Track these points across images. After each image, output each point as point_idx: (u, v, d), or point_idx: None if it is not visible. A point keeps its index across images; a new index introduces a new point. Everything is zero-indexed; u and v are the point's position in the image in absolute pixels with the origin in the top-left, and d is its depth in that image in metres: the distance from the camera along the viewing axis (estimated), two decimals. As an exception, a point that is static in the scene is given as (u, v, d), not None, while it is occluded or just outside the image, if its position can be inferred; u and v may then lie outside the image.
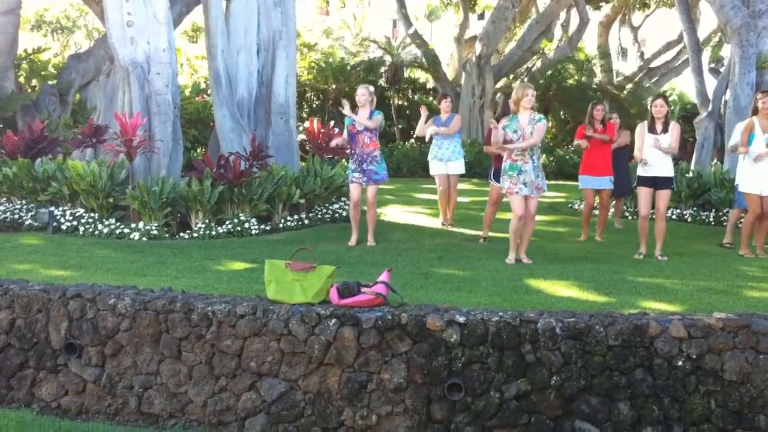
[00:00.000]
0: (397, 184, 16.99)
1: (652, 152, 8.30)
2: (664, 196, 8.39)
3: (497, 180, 8.74)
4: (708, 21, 24.83)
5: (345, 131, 9.12)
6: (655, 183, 8.38)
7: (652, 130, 8.33)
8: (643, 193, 8.43)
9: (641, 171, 8.42)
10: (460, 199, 11.67)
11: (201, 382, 5.43)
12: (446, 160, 10.63)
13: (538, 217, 11.46)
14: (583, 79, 25.14)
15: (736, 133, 9.35)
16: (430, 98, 25.09)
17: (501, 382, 5.08)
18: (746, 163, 8.62)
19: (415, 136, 11.19)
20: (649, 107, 8.58)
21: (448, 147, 10.61)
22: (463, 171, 10.85)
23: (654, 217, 8.70)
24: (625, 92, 24.87)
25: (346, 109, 8.92)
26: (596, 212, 10.33)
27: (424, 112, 10.88)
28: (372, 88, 9.40)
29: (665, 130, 8.30)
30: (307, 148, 13.31)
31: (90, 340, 5.65)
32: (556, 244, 9.33)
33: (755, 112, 8.64)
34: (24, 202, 10.49)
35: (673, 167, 8.57)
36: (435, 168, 10.75)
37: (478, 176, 18.88)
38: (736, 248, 8.87)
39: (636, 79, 26.79)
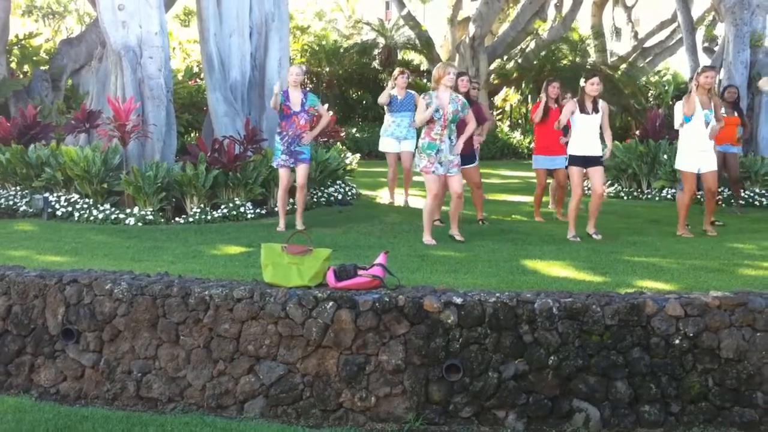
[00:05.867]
0: (391, 166, 16.89)
1: (585, 131, 8.15)
2: (599, 173, 8.20)
3: None
4: (701, 0, 24.73)
5: (277, 108, 8.76)
6: (587, 162, 8.22)
7: (583, 109, 8.15)
8: (577, 172, 8.25)
9: (573, 150, 8.21)
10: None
11: (199, 366, 5.44)
12: (401, 138, 10.72)
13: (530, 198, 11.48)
14: (578, 59, 25.01)
15: (677, 113, 9.03)
16: (424, 80, 24.97)
17: (499, 362, 5.10)
18: (682, 141, 8.42)
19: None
20: (582, 84, 8.25)
21: (403, 125, 10.68)
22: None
23: (590, 194, 8.56)
24: (619, 72, 24.79)
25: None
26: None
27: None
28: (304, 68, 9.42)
29: (596, 109, 8.17)
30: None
31: (87, 326, 5.64)
32: (550, 225, 9.33)
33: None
34: (18, 188, 10.43)
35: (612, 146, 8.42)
36: (389, 145, 10.85)
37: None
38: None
39: (630, 59, 26.69)
